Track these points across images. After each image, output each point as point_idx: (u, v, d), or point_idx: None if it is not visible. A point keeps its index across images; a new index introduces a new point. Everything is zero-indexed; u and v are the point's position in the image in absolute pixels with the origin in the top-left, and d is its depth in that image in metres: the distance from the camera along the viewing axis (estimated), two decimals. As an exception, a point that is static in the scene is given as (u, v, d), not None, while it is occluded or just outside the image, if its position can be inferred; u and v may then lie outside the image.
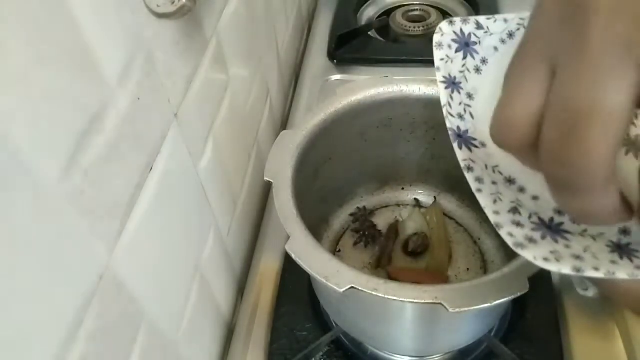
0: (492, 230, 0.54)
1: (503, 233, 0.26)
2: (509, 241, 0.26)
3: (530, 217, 0.28)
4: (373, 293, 0.33)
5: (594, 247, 0.26)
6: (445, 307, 0.32)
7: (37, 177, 0.22)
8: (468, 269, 0.52)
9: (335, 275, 0.34)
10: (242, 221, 0.55)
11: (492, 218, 0.27)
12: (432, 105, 0.48)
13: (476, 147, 0.31)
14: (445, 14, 0.81)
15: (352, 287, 0.33)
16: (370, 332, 0.44)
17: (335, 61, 0.76)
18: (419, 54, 0.73)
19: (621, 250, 0.25)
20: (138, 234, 0.31)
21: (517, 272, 0.34)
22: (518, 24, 0.35)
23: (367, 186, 0.58)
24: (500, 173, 0.30)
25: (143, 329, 0.33)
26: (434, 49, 0.34)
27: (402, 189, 0.58)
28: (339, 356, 0.47)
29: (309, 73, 0.77)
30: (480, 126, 0.32)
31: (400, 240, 0.54)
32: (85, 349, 0.26)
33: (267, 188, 0.63)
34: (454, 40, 0.34)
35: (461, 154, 0.31)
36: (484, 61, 0.34)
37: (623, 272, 0.24)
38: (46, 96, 0.23)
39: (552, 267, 0.24)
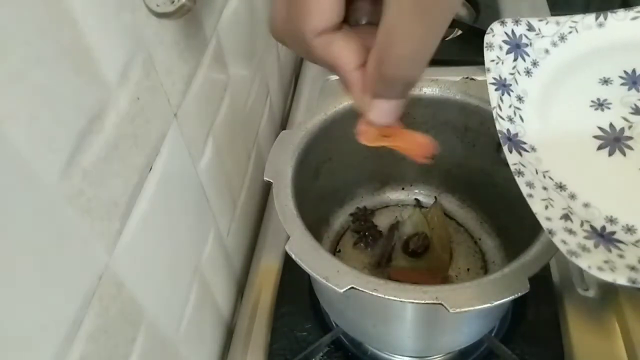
0: (493, 230, 0.54)
1: (556, 240, 0.26)
2: (563, 249, 0.26)
3: (582, 224, 0.28)
4: (373, 293, 0.33)
5: None
6: (445, 308, 0.32)
7: (36, 177, 0.22)
8: (468, 269, 0.52)
9: (335, 276, 0.34)
10: (242, 221, 0.55)
11: (545, 224, 0.27)
12: (433, 104, 0.48)
13: (526, 151, 0.31)
14: (445, 14, 0.81)
15: (352, 288, 0.33)
16: (370, 332, 0.44)
17: (335, 61, 0.76)
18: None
19: None
20: (137, 234, 0.31)
21: (517, 272, 0.34)
22: (570, 27, 0.35)
23: (367, 186, 0.58)
24: (551, 179, 0.30)
25: (143, 329, 0.33)
26: (485, 49, 0.34)
27: (402, 189, 0.58)
28: (339, 356, 0.47)
29: (309, 73, 0.77)
30: (530, 130, 0.32)
31: (400, 240, 0.54)
32: (85, 349, 0.26)
33: (267, 188, 0.63)
34: (505, 42, 0.34)
35: (511, 158, 0.31)
36: (534, 64, 0.34)
37: None
38: (46, 96, 0.23)
39: (607, 277, 0.24)
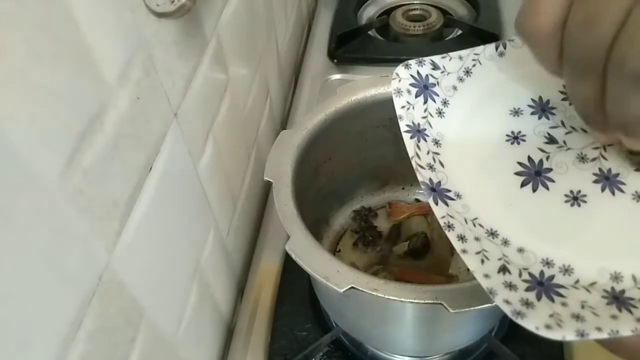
0: (493, 230, 0.54)
1: (498, 300, 0.25)
2: (507, 310, 0.25)
3: (520, 274, 0.27)
4: (373, 293, 0.33)
5: (591, 301, 0.25)
6: (445, 307, 0.32)
7: (36, 177, 0.22)
8: (468, 269, 0.52)
9: (335, 275, 0.34)
10: (242, 221, 0.55)
11: (484, 283, 0.26)
12: (433, 105, 0.48)
13: (452, 199, 0.30)
14: (445, 13, 0.81)
15: (352, 287, 0.33)
16: (370, 332, 0.44)
17: (335, 61, 0.76)
18: (419, 54, 0.72)
19: (618, 301, 0.25)
20: (137, 234, 0.31)
21: (517, 272, 0.34)
22: (473, 60, 0.34)
23: (367, 186, 0.58)
24: (481, 226, 0.29)
25: (143, 329, 0.33)
26: (394, 96, 0.32)
27: (403, 188, 0.58)
28: (338, 356, 0.47)
29: (309, 73, 0.77)
30: (451, 175, 0.31)
31: (400, 240, 0.54)
32: (85, 349, 0.26)
33: (267, 188, 0.63)
34: (412, 85, 0.33)
35: (438, 211, 0.29)
36: (445, 103, 0.33)
37: (626, 328, 0.23)
38: (46, 96, 0.23)
39: (556, 335, 0.24)
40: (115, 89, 0.28)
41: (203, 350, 0.46)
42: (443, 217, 0.29)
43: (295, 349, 0.47)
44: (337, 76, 0.75)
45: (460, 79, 0.34)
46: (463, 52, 0.34)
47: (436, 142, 0.32)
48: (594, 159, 0.30)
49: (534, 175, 0.31)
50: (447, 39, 0.78)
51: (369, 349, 0.48)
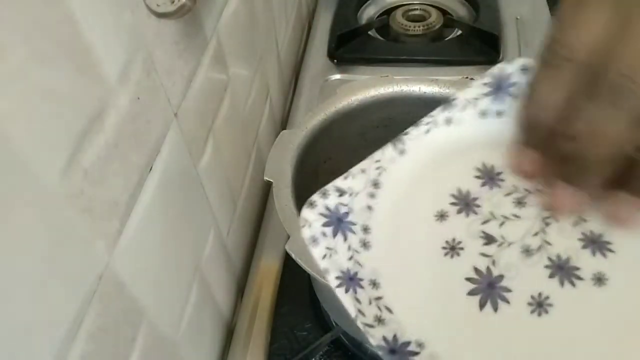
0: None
1: None
2: None
3: None
4: (373, 293, 0.33)
5: None
6: (445, 307, 0.32)
7: (37, 177, 0.22)
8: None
9: (335, 275, 0.34)
10: (242, 221, 0.55)
11: None
12: (433, 104, 0.48)
13: (416, 353, 0.25)
14: (445, 13, 0.81)
15: (352, 287, 0.33)
16: (371, 332, 0.44)
17: (335, 61, 0.76)
18: (419, 54, 0.73)
19: None
20: (138, 234, 0.31)
21: (517, 272, 0.34)
22: (377, 169, 0.30)
23: (367, 186, 0.58)
24: None
25: (143, 328, 0.33)
26: (310, 247, 0.28)
27: (402, 188, 0.58)
28: (338, 356, 0.47)
29: (309, 73, 0.77)
30: (405, 321, 0.26)
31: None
32: (86, 348, 0.26)
33: (267, 188, 0.63)
34: (324, 224, 0.28)
35: None
36: (365, 230, 0.29)
37: None
38: (46, 96, 0.23)
39: None
40: (115, 89, 0.28)
41: (203, 350, 0.46)
42: None
43: (295, 349, 0.47)
44: (337, 76, 0.75)
45: (372, 195, 0.29)
46: (364, 164, 0.30)
47: (374, 284, 0.27)
48: (539, 248, 0.27)
49: (487, 288, 0.26)
50: (447, 39, 0.78)
51: (369, 349, 0.48)
